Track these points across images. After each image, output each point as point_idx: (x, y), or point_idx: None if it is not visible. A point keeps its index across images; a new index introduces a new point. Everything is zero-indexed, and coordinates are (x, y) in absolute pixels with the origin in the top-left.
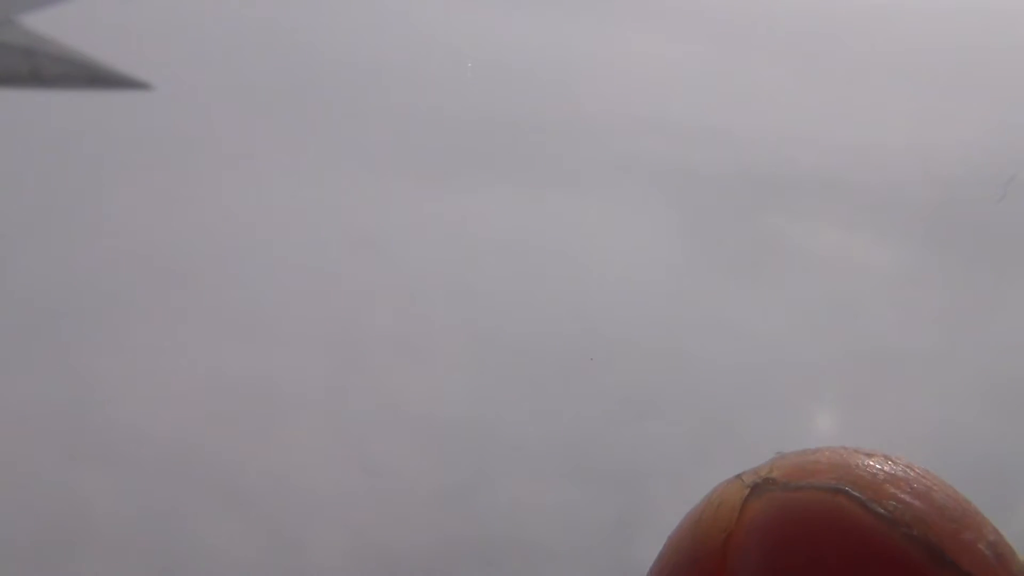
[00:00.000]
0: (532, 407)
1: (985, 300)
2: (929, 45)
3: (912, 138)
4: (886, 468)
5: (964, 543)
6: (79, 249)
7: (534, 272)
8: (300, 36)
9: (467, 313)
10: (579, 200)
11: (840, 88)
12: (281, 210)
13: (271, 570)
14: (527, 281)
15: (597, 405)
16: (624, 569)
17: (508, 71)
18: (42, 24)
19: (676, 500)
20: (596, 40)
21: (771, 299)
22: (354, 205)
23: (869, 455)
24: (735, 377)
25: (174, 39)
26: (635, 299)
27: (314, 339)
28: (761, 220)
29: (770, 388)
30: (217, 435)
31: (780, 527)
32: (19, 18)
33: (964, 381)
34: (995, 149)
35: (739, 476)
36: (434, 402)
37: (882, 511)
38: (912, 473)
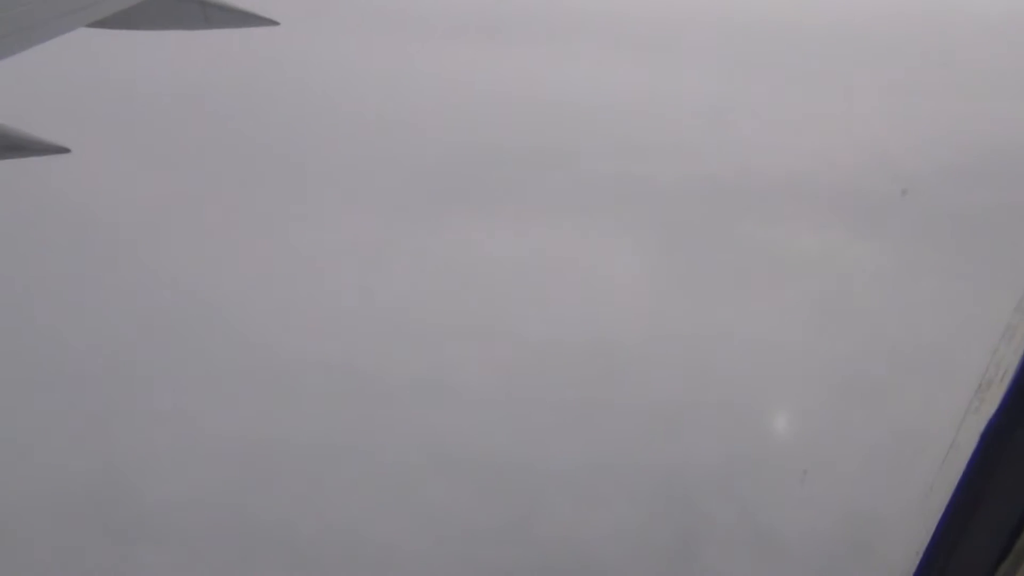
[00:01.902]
0: (567, 435)
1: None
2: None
3: (867, 140)
4: None
5: None
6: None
7: (537, 297)
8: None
9: (483, 351)
10: (561, 226)
11: (792, 96)
12: (280, 266)
13: None
14: (528, 306)
15: (629, 424)
16: None
17: (466, 107)
18: None
19: (729, 512)
20: (550, 68)
21: (772, 304)
22: (350, 249)
23: None
24: (753, 383)
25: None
26: (641, 316)
27: (339, 392)
28: (734, 227)
29: (793, 392)
30: (263, 495)
31: None
32: None
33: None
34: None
35: None
36: (471, 442)
37: None
38: None
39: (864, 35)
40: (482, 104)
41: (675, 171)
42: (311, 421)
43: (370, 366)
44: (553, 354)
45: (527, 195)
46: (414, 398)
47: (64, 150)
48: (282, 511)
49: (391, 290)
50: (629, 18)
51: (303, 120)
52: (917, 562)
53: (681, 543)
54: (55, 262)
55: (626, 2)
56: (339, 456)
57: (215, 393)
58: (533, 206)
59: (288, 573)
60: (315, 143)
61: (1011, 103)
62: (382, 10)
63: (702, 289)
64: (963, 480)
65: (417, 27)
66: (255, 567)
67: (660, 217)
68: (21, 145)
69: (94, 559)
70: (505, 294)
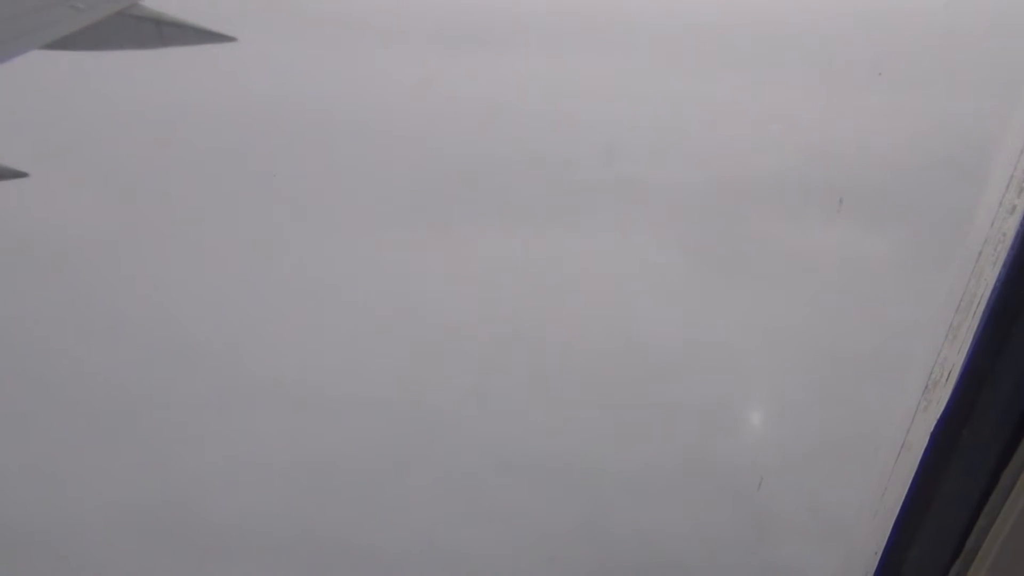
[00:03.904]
0: (623, 436)
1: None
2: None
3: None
4: None
5: None
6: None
7: (563, 302)
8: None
9: (521, 356)
10: (573, 231)
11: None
12: (302, 280)
13: None
14: (557, 311)
15: (684, 423)
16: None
17: (456, 116)
18: None
19: (797, 499)
20: (552, 74)
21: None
22: (368, 263)
23: None
24: (791, 375)
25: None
26: (672, 316)
27: (390, 403)
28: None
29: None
30: (329, 508)
31: None
32: None
33: None
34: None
35: None
36: (528, 446)
37: None
38: None
39: (858, 30)
40: (472, 112)
41: (678, 173)
42: (366, 433)
43: (417, 377)
44: (591, 357)
45: (532, 202)
46: (464, 406)
47: (22, 174)
48: (351, 523)
49: (415, 302)
50: (619, 22)
51: (290, 135)
52: (877, 562)
53: (754, 535)
54: (51, 287)
55: (618, 8)
56: (400, 466)
57: (266, 411)
58: (540, 212)
59: None
60: (302, 158)
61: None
62: (363, 20)
63: (728, 287)
64: (915, 479)
65: (399, 35)
66: None
67: (673, 218)
68: None
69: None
70: (530, 299)
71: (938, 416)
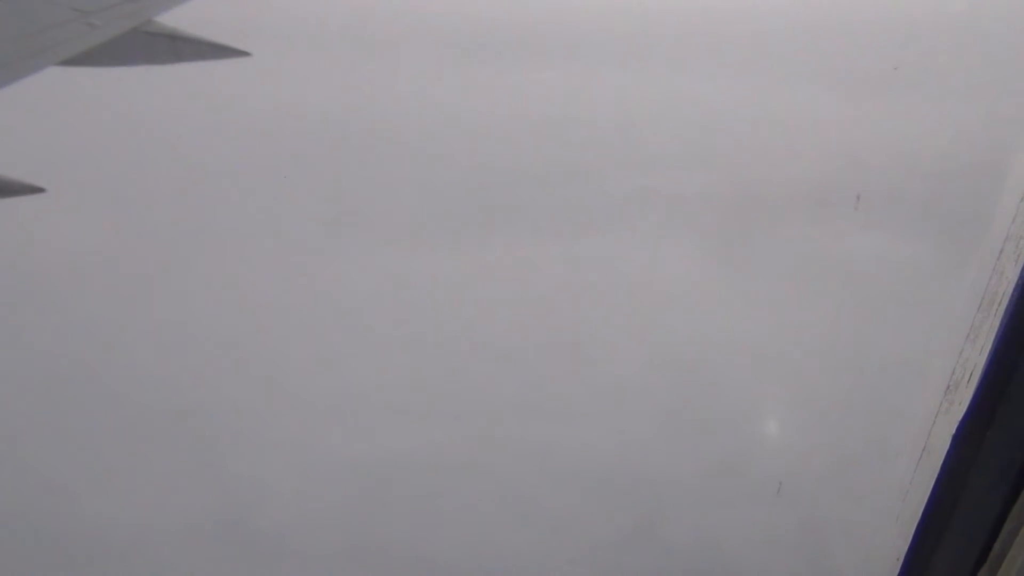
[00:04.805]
0: (672, 443)
1: None
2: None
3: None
4: None
5: None
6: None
7: (604, 312)
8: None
9: (565, 366)
10: (607, 241)
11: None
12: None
13: None
14: (598, 321)
15: (734, 432)
16: None
17: (494, 126)
18: None
19: (847, 506)
20: (574, 86)
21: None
22: (407, 279)
23: None
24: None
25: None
26: (713, 326)
27: (445, 413)
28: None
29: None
30: (383, 520)
31: None
32: None
33: None
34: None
35: None
36: (580, 455)
37: None
38: None
39: (877, 29)
40: (491, 125)
41: (701, 181)
42: (419, 443)
43: (468, 387)
44: (635, 366)
45: (561, 213)
46: (516, 415)
47: (39, 190)
48: (405, 533)
49: (460, 314)
50: (635, 32)
51: (312, 151)
52: (898, 569)
53: (813, 541)
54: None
55: (631, 16)
56: (453, 477)
57: (320, 422)
58: (572, 223)
59: None
60: (326, 176)
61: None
62: (378, 34)
63: (765, 296)
64: (938, 483)
65: (413, 47)
66: None
67: (703, 228)
68: None
69: None
70: (568, 310)
71: (960, 418)
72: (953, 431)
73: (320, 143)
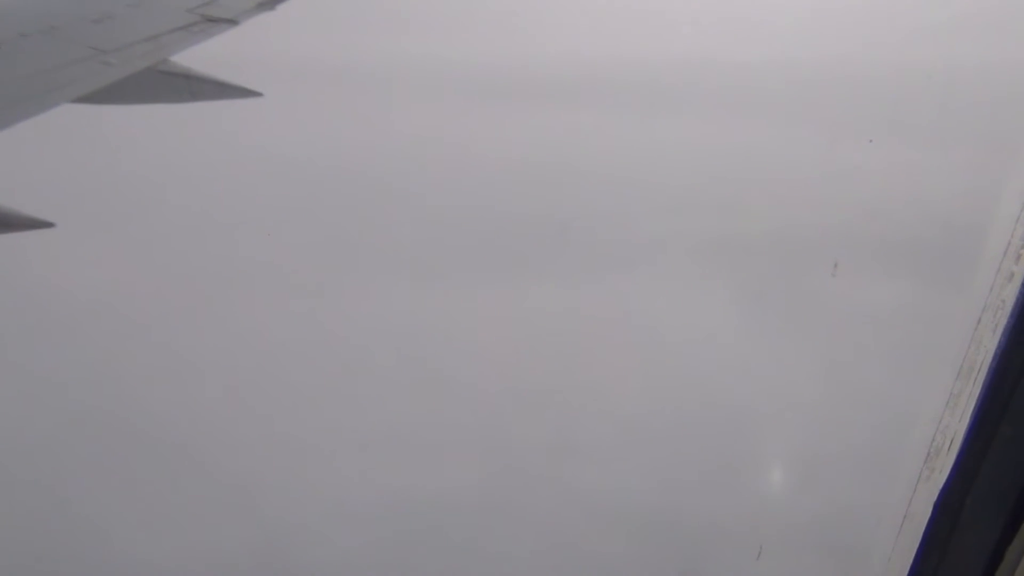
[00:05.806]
0: (713, 488)
1: None
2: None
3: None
4: None
5: None
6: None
7: (637, 355)
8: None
9: (601, 409)
10: (634, 285)
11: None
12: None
13: None
14: (632, 365)
15: (776, 478)
16: None
17: (517, 169)
18: None
19: (829, 570)
20: (600, 129)
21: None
22: (433, 325)
23: None
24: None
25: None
26: (747, 370)
27: (481, 455)
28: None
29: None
30: (422, 559)
31: None
32: None
33: None
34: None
35: None
36: (620, 497)
37: None
38: None
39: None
40: (504, 171)
41: (724, 227)
42: (459, 484)
43: (501, 433)
44: (670, 410)
45: (583, 257)
46: (551, 458)
47: (48, 225)
48: (444, 573)
49: (491, 356)
50: (651, 77)
51: (322, 194)
52: None
53: None
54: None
55: (652, 66)
56: (492, 519)
57: (361, 459)
58: (596, 267)
59: None
60: (338, 219)
61: None
62: (391, 78)
63: (797, 340)
64: (920, 550)
65: (428, 92)
66: None
67: (728, 272)
68: (4, 221)
69: None
70: (599, 352)
71: (941, 485)
72: (934, 498)
73: (339, 183)
